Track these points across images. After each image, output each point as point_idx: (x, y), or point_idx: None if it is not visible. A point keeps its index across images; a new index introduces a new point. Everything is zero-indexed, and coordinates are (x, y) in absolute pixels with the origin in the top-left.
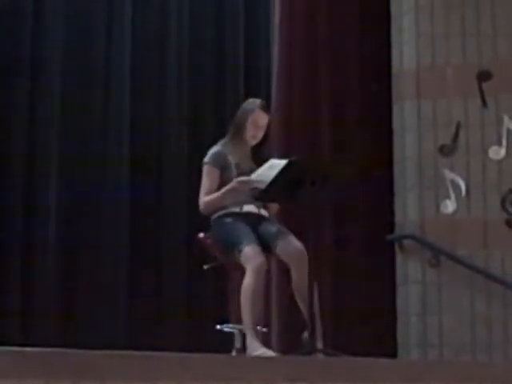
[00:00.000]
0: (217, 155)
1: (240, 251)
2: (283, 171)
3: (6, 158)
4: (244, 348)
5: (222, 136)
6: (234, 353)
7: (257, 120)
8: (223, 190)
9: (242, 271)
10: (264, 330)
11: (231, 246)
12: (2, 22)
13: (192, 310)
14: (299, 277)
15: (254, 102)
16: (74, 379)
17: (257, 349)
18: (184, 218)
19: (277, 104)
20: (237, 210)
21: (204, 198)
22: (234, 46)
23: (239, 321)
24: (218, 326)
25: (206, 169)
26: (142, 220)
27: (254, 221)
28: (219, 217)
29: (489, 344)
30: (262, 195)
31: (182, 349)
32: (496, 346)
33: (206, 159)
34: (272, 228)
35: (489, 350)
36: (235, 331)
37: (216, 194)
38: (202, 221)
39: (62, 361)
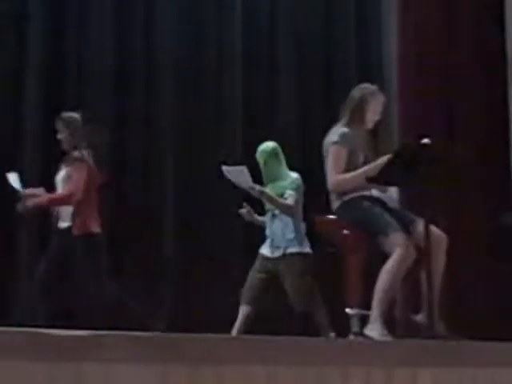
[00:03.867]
0: (347, 136)
1: (387, 235)
2: (397, 154)
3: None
4: (361, 332)
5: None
6: (351, 337)
7: (379, 104)
8: (361, 170)
9: (358, 255)
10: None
11: (376, 230)
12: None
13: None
14: (437, 260)
15: (371, 87)
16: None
17: (377, 330)
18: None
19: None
20: (367, 193)
21: (337, 177)
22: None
23: (356, 305)
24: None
25: (336, 148)
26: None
27: (382, 205)
28: (353, 199)
29: None
30: (377, 178)
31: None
32: None
33: (337, 139)
34: (405, 211)
35: None
36: (353, 315)
37: (355, 173)
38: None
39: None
